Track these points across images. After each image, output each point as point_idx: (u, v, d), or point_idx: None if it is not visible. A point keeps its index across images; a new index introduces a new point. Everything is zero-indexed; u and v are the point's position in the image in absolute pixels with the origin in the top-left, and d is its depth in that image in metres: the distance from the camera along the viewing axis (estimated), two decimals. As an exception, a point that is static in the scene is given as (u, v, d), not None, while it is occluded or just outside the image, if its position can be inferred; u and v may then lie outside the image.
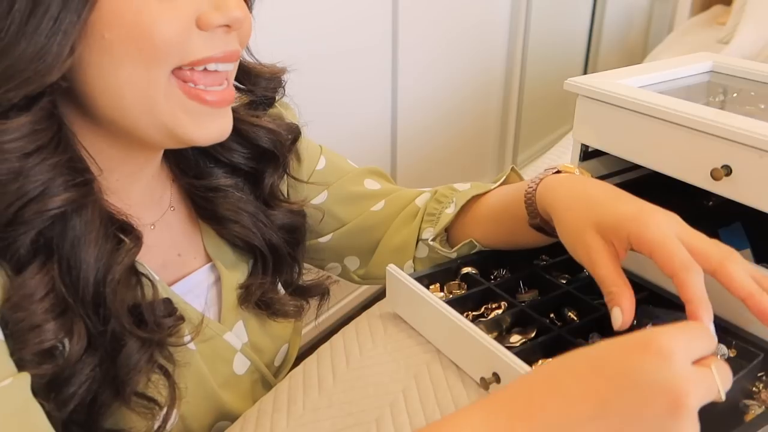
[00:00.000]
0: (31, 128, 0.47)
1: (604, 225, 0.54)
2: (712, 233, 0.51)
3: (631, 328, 0.47)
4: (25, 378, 0.46)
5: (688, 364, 0.38)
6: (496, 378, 0.57)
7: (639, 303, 0.51)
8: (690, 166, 0.65)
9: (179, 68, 0.51)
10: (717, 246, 0.50)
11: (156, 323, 0.55)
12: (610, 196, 0.57)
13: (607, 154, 0.76)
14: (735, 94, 0.81)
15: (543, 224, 0.64)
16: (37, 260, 0.49)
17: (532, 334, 0.63)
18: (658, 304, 0.64)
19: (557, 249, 0.74)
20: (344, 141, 1.75)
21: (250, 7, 0.60)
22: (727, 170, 0.61)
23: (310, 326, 1.63)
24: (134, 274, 0.55)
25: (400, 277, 0.68)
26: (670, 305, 0.63)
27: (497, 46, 2.41)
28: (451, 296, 0.69)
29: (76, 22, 0.46)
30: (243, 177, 0.68)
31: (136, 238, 0.55)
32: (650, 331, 0.39)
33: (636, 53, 3.35)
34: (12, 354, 0.46)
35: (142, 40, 0.48)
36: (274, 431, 0.58)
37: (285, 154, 0.70)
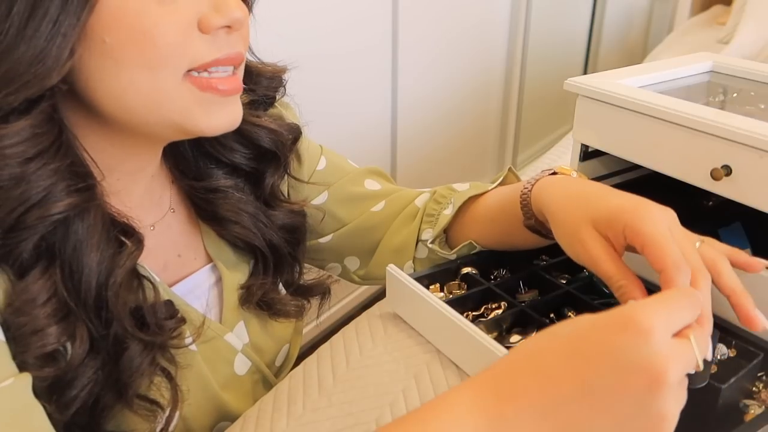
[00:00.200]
0: (32, 132, 0.47)
1: (599, 219, 0.54)
2: (712, 233, 0.51)
3: None
4: (27, 379, 0.46)
5: (668, 339, 0.38)
6: (496, 378, 0.57)
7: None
8: (690, 166, 0.65)
9: (189, 71, 0.51)
10: (698, 260, 0.50)
11: (158, 325, 0.55)
12: (605, 192, 0.57)
13: (607, 154, 0.76)
14: (735, 94, 0.81)
15: (538, 225, 0.64)
16: (40, 265, 0.49)
17: (532, 334, 0.63)
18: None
19: (557, 249, 0.73)
20: (344, 141, 1.75)
21: (251, 8, 0.60)
22: (727, 170, 0.61)
23: (311, 326, 1.63)
24: (136, 276, 0.55)
25: (400, 278, 0.68)
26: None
27: (497, 46, 2.41)
28: (451, 296, 0.69)
29: (75, 24, 0.46)
30: (243, 177, 0.68)
31: (138, 240, 0.55)
32: (630, 308, 0.38)
33: (636, 53, 3.35)
34: (14, 357, 0.46)
35: (144, 45, 0.48)
36: (274, 431, 0.58)
37: (286, 154, 0.70)
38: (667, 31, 2.89)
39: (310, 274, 0.78)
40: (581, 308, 0.66)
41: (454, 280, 0.72)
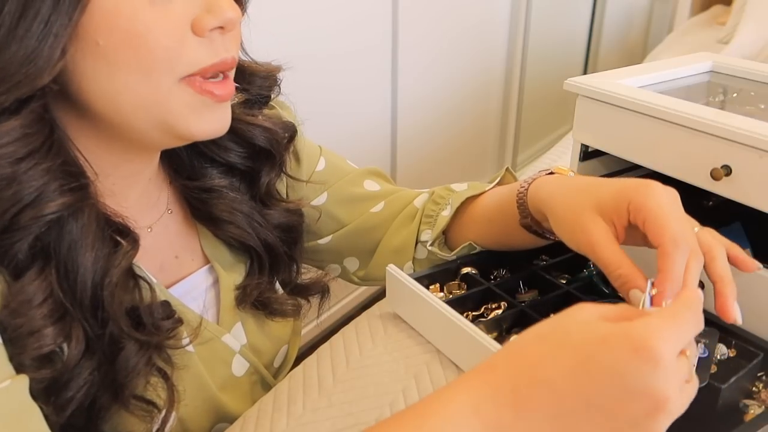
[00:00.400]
0: (22, 132, 0.47)
1: (604, 200, 0.54)
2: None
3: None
4: (24, 380, 0.46)
5: (674, 366, 0.38)
6: (496, 378, 0.57)
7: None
8: (690, 166, 0.65)
9: (188, 76, 0.51)
10: (694, 240, 0.50)
11: (154, 326, 0.55)
12: (607, 179, 0.57)
13: (607, 154, 0.76)
14: (735, 94, 0.81)
15: (534, 224, 0.64)
16: (35, 265, 0.48)
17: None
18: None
19: (557, 249, 0.74)
20: (344, 141, 1.74)
21: (245, 8, 0.60)
22: (727, 170, 0.61)
23: (310, 326, 1.63)
24: (132, 276, 0.55)
25: (400, 278, 0.68)
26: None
27: (497, 46, 2.41)
28: (451, 296, 0.69)
29: (67, 25, 0.46)
30: (239, 176, 0.68)
31: (133, 240, 0.55)
32: (643, 330, 0.38)
33: (636, 53, 3.35)
34: (11, 359, 0.46)
35: (138, 48, 0.48)
36: (274, 431, 0.58)
37: (281, 153, 0.70)
38: (667, 31, 2.89)
39: (309, 274, 0.78)
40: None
41: (454, 280, 0.72)
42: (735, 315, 0.49)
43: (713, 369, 0.56)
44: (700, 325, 0.42)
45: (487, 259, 0.74)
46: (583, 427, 0.38)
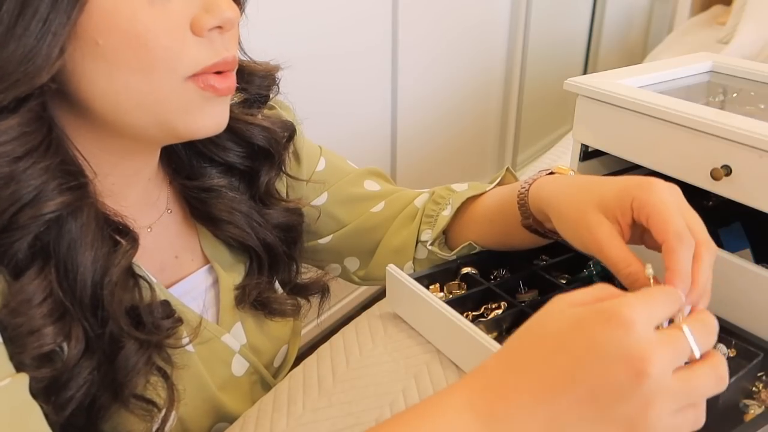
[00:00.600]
0: (20, 131, 0.47)
1: (608, 198, 0.54)
2: (712, 233, 0.51)
3: None
4: (24, 379, 0.46)
5: (650, 330, 0.38)
6: (496, 378, 0.57)
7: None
8: (690, 166, 0.65)
9: (192, 76, 0.51)
10: (704, 231, 0.50)
11: (154, 325, 0.55)
12: (610, 177, 0.57)
13: (607, 154, 0.76)
14: (735, 94, 0.81)
15: (535, 224, 0.64)
16: (35, 265, 0.49)
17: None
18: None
19: (557, 249, 0.74)
20: (344, 141, 1.74)
21: (243, 8, 0.60)
22: (727, 170, 0.61)
23: (311, 326, 1.63)
24: (131, 276, 0.55)
25: (400, 278, 0.68)
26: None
27: (497, 46, 2.41)
28: (451, 296, 0.69)
29: (66, 23, 0.46)
30: (238, 176, 0.68)
31: (133, 239, 0.55)
32: (611, 303, 0.39)
33: (636, 53, 3.35)
34: (11, 358, 0.46)
35: (138, 49, 0.48)
36: (274, 431, 0.58)
37: (280, 152, 0.70)
38: (667, 31, 2.89)
39: (310, 274, 0.78)
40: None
41: (454, 280, 0.72)
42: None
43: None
44: (675, 305, 0.41)
45: (487, 259, 0.74)
46: (573, 408, 0.38)
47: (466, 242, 0.73)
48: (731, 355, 0.59)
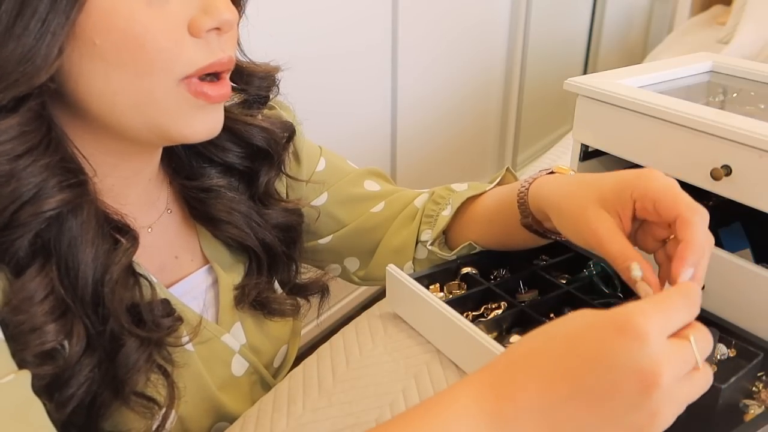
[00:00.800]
0: (20, 130, 0.47)
1: (607, 192, 0.54)
2: (712, 233, 0.51)
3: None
4: (26, 375, 0.46)
5: (663, 343, 0.38)
6: (496, 378, 0.57)
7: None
8: (690, 166, 0.65)
9: (186, 77, 0.51)
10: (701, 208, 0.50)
11: (154, 323, 0.55)
12: (607, 173, 0.57)
13: (607, 154, 0.76)
14: (735, 94, 0.81)
15: (535, 224, 0.64)
16: (36, 262, 0.49)
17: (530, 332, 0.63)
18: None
19: (557, 249, 0.74)
20: (344, 141, 1.75)
21: (243, 9, 0.60)
22: (727, 170, 0.61)
23: (311, 326, 1.63)
24: (132, 274, 0.55)
25: (400, 278, 0.68)
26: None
27: (497, 46, 2.41)
28: (451, 296, 0.69)
29: (65, 23, 0.46)
30: (237, 176, 0.68)
31: (133, 238, 0.55)
32: (626, 311, 0.39)
33: (636, 53, 3.35)
34: (13, 355, 0.46)
35: (135, 49, 0.48)
36: (274, 431, 0.58)
37: (279, 152, 0.70)
38: (667, 31, 2.89)
39: (309, 274, 0.78)
40: (581, 308, 0.66)
41: (454, 280, 0.72)
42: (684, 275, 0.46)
43: (713, 369, 0.56)
44: (693, 309, 0.41)
45: (487, 259, 0.74)
46: (581, 413, 0.38)
47: (466, 242, 0.73)
48: (731, 355, 0.59)
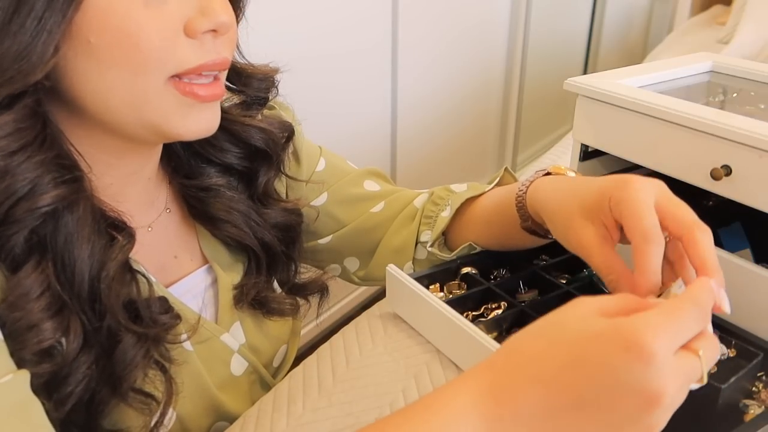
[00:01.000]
0: (15, 127, 0.47)
1: (588, 203, 0.53)
2: (712, 233, 0.50)
3: None
4: (25, 375, 0.46)
5: (669, 361, 0.37)
6: (496, 378, 0.57)
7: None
8: (690, 166, 0.65)
9: (175, 76, 0.51)
10: (693, 215, 0.49)
11: (152, 319, 0.55)
12: (592, 178, 0.56)
13: (607, 154, 0.76)
14: (735, 94, 0.81)
15: (535, 227, 0.64)
16: (32, 259, 0.49)
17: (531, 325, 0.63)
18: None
19: (557, 249, 0.74)
20: (344, 141, 1.74)
21: (243, 12, 0.60)
22: (727, 170, 0.61)
23: (310, 326, 1.63)
24: (129, 270, 0.55)
25: (400, 278, 0.68)
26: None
27: (497, 46, 2.41)
28: (451, 296, 0.69)
29: (61, 22, 0.46)
30: (236, 176, 0.68)
31: (129, 235, 0.55)
32: (635, 326, 0.37)
33: (636, 53, 3.35)
34: (12, 354, 0.46)
35: (129, 48, 0.48)
36: (274, 431, 0.58)
37: (278, 153, 0.70)
38: (667, 31, 2.89)
39: (309, 274, 0.78)
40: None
41: (454, 280, 0.72)
42: (723, 305, 0.45)
43: (713, 369, 0.56)
44: (703, 322, 0.40)
45: (487, 259, 0.74)
46: (579, 422, 0.38)
47: (465, 243, 0.73)
48: (731, 355, 0.59)
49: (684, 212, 0.49)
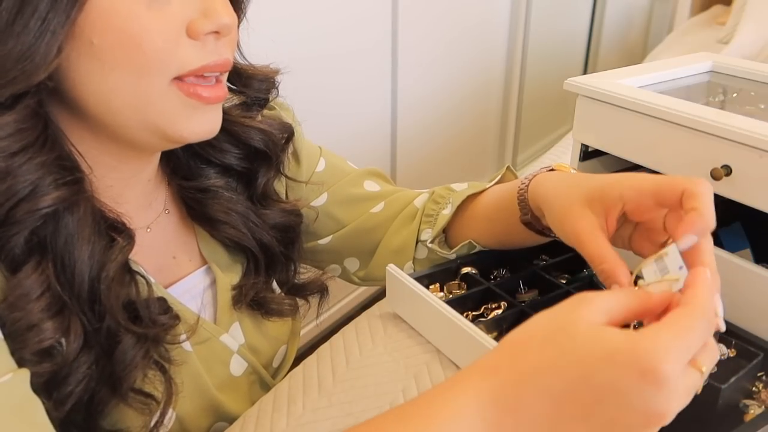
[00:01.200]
0: (16, 127, 0.47)
1: (593, 191, 0.53)
2: (712, 233, 0.50)
3: None
4: (25, 374, 0.46)
5: (680, 382, 0.38)
6: (496, 378, 0.57)
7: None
8: (690, 166, 0.65)
9: (177, 78, 0.51)
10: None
11: (151, 319, 0.55)
12: (599, 174, 0.56)
13: (607, 154, 0.76)
14: (735, 94, 0.81)
15: (534, 221, 0.64)
16: (32, 259, 0.49)
17: (533, 322, 0.63)
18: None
19: (557, 249, 0.74)
20: (344, 141, 1.75)
21: (244, 13, 0.60)
22: (727, 170, 0.61)
23: (310, 326, 1.63)
24: (128, 271, 0.55)
25: (400, 277, 0.68)
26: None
27: (497, 46, 2.41)
28: (451, 296, 0.69)
29: (64, 22, 0.46)
30: (236, 177, 0.68)
31: (129, 236, 0.55)
32: (649, 354, 0.37)
33: (636, 53, 3.35)
34: (12, 354, 0.46)
35: (132, 49, 0.48)
36: (274, 431, 0.58)
37: (278, 154, 0.70)
38: (667, 31, 2.90)
39: (309, 274, 0.78)
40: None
41: (454, 280, 0.72)
42: (719, 324, 0.44)
43: (713, 369, 0.56)
44: (710, 330, 0.41)
45: (487, 259, 0.74)
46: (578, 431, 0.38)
47: (466, 241, 0.73)
48: (731, 355, 0.59)
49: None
